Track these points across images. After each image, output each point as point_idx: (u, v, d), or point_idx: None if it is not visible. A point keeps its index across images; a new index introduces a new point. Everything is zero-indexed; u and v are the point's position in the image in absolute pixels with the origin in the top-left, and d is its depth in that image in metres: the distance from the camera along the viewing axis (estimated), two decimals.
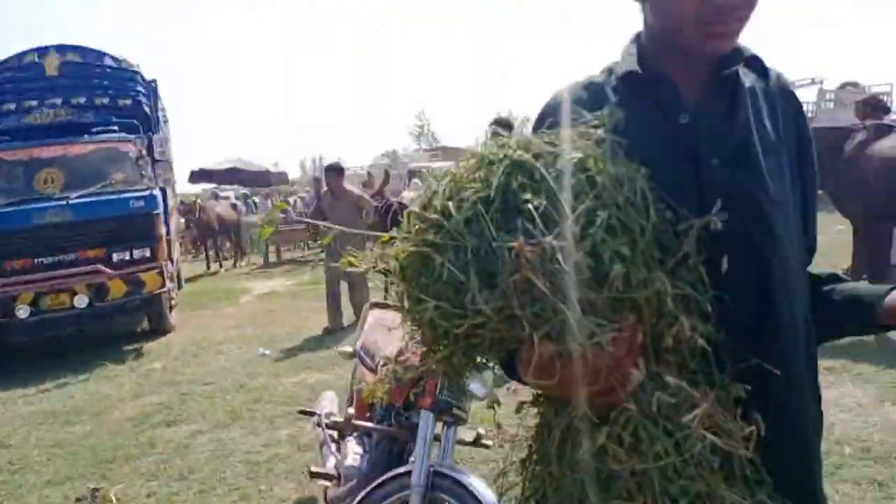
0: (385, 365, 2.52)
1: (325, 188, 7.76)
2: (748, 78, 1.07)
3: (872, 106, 6.78)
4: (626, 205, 0.88)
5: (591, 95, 1.07)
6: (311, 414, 3.13)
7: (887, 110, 6.98)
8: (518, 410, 1.05)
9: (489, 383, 2.43)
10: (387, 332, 3.07)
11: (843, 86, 18.00)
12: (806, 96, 16.05)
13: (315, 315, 7.49)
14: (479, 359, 0.98)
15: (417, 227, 0.93)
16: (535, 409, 1.06)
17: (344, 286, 7.45)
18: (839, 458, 3.29)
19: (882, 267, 5.26)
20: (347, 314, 7.51)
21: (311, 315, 7.70)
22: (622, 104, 1.01)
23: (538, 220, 0.84)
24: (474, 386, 2.40)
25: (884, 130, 5.50)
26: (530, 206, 0.85)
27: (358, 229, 7.22)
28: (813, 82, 16.63)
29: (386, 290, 3.35)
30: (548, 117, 1.07)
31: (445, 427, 2.50)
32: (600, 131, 0.96)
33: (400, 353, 1.13)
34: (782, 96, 1.10)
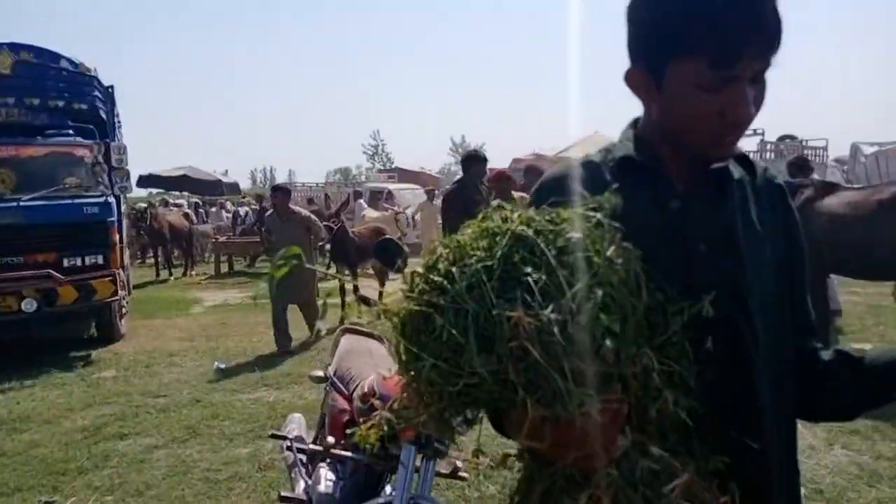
0: (365, 398, 2.57)
1: (270, 210, 7.74)
2: (736, 170, 1.16)
3: (799, 166, 7.28)
4: (620, 284, 0.94)
5: (588, 174, 1.15)
6: (283, 438, 3.14)
7: (812, 170, 7.48)
8: (503, 462, 1.12)
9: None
10: (361, 359, 3.12)
11: (782, 138, 18.96)
12: (748, 146, 16.81)
13: (269, 331, 7.41)
14: (469, 414, 1.03)
15: (421, 287, 0.99)
16: (521, 463, 1.11)
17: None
18: None
19: (823, 314, 5.58)
20: (299, 334, 7.53)
21: (266, 330, 7.62)
22: (618, 187, 1.06)
23: (537, 293, 0.89)
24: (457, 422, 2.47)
25: (829, 187, 5.87)
26: (530, 279, 0.91)
27: (306, 250, 7.19)
28: (755, 133, 17.49)
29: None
30: (548, 193, 1.12)
31: (425, 460, 2.55)
32: (599, 214, 1.01)
33: (393, 400, 1.19)
34: (769, 189, 1.19)
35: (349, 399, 2.82)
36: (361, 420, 2.63)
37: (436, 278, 0.98)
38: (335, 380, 3.02)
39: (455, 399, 0.97)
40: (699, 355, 1.01)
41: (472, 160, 6.30)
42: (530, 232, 0.97)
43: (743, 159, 1.17)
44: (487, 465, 1.25)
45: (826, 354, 1.20)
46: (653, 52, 1.05)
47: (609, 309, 0.91)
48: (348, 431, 2.65)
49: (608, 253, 0.96)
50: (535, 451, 1.00)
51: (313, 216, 7.93)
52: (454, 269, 0.97)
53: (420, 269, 1.03)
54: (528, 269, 0.93)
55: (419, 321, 0.98)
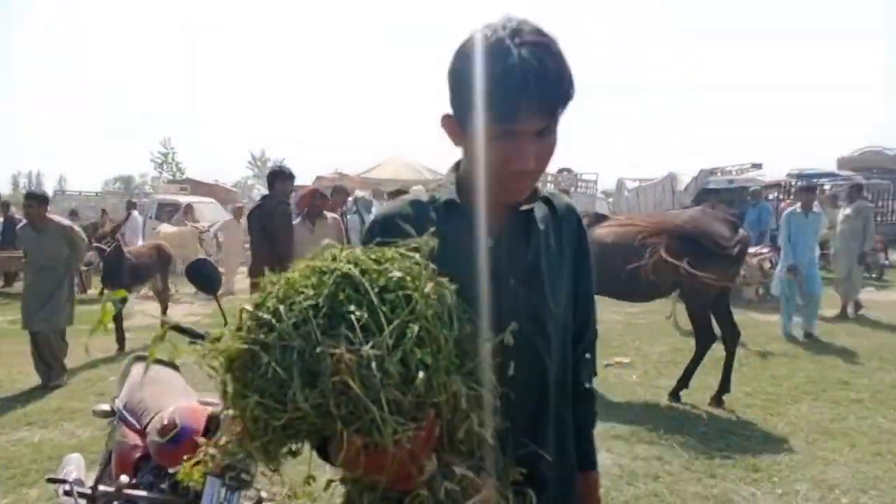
0: (165, 431, 2.42)
1: (22, 221, 6.98)
2: (541, 210, 1.36)
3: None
4: (435, 318, 1.05)
5: (416, 213, 1.31)
6: (61, 482, 2.84)
7: None
8: (326, 488, 1.19)
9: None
10: (157, 389, 2.92)
11: (560, 171, 21.01)
12: None
13: (31, 361, 6.56)
14: (293, 445, 1.09)
15: (249, 325, 1.04)
16: (343, 488, 1.19)
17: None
18: None
19: None
20: (74, 363, 6.81)
21: (28, 360, 6.71)
22: (441, 226, 1.22)
23: (358, 329, 0.98)
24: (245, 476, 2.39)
25: (601, 218, 6.67)
26: (353, 316, 0.99)
27: (68, 264, 6.50)
28: None
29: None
30: (379, 230, 1.27)
31: (228, 491, 2.47)
32: (418, 255, 1.12)
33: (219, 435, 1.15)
34: (568, 215, 1.40)
35: (142, 433, 2.63)
36: (159, 455, 2.47)
37: (264, 315, 1.02)
38: (125, 413, 2.79)
39: (280, 432, 1.01)
40: (503, 378, 1.15)
41: (278, 176, 6.17)
42: (356, 271, 1.05)
43: (547, 201, 1.36)
44: (285, 495, 1.28)
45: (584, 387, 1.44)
46: (459, 105, 1.21)
47: (424, 342, 1.01)
48: (175, 468, 2.45)
49: (426, 290, 1.06)
50: (360, 478, 1.07)
51: (77, 227, 7.13)
52: (282, 307, 1.01)
53: (248, 306, 1.07)
54: (352, 307, 1.00)
55: (246, 358, 1.01)
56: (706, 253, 5.64)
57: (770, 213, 12.48)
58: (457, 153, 1.34)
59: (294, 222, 6.51)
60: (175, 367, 3.21)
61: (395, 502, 1.07)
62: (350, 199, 10.70)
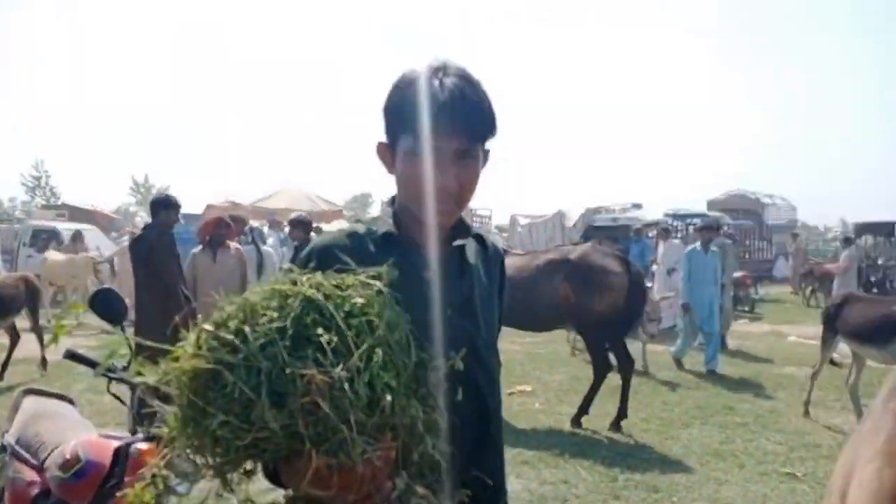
0: (68, 465, 2.27)
1: None
2: (472, 246, 1.43)
3: None
4: (396, 345, 1.09)
5: (353, 244, 1.33)
6: None
7: None
8: None
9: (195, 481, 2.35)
10: (52, 423, 2.73)
11: None
12: None
13: None
14: (249, 465, 1.08)
15: (212, 344, 1.02)
16: None
17: None
18: None
19: None
20: None
21: None
22: (380, 258, 1.25)
23: (329, 352, 1.00)
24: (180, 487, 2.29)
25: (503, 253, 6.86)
26: (322, 339, 1.01)
27: None
28: None
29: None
30: (318, 259, 1.28)
31: None
32: (379, 283, 1.15)
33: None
34: (495, 255, 1.49)
35: (40, 469, 2.44)
36: (61, 491, 2.29)
37: (226, 336, 1.02)
38: (18, 448, 2.58)
39: (242, 452, 1.01)
40: (449, 404, 1.19)
41: (163, 205, 5.88)
42: (320, 296, 1.06)
43: (478, 237, 1.44)
44: None
45: None
46: (390, 130, 1.30)
47: (388, 366, 1.05)
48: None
49: (386, 317, 1.09)
50: (315, 497, 1.05)
51: None
52: (247, 328, 1.01)
53: (208, 327, 1.05)
54: (320, 331, 1.02)
55: (207, 378, 1.00)
56: (599, 285, 5.97)
57: (651, 249, 13.33)
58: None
59: (194, 251, 6.24)
60: (70, 401, 3.05)
61: None
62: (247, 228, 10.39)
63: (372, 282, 1.14)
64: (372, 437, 1.01)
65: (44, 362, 7.89)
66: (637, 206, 19.38)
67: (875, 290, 16.87)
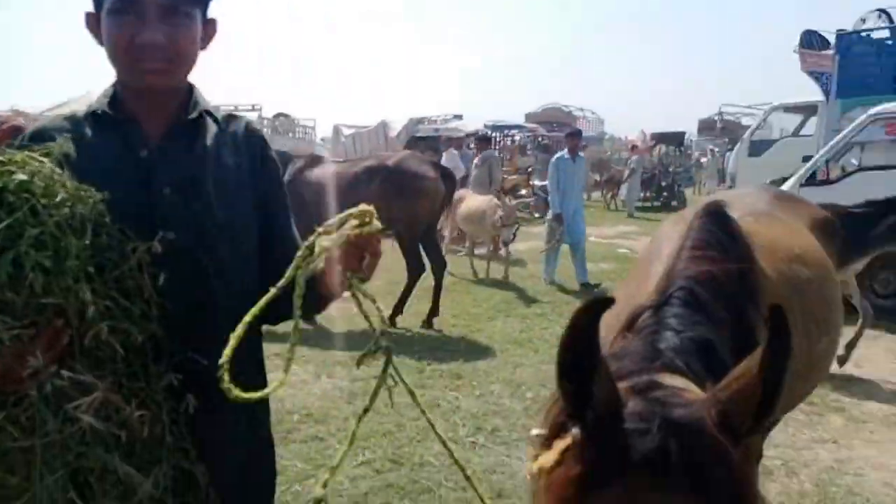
0: None
1: None
2: (211, 126, 1.34)
3: (481, 139, 8.02)
4: (65, 224, 1.04)
5: (72, 127, 1.25)
6: None
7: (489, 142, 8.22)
8: None
9: None
10: None
11: (277, 116, 20.74)
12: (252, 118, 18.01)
13: None
14: None
15: None
16: None
17: None
18: (290, 424, 3.97)
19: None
20: None
21: None
22: (94, 138, 1.21)
23: None
24: None
25: (317, 160, 6.75)
26: None
27: None
28: (253, 108, 18.82)
29: None
30: (25, 140, 1.19)
31: None
32: (47, 160, 1.10)
33: None
34: (249, 140, 1.38)
35: None
36: None
37: None
38: None
39: None
40: (159, 287, 1.15)
41: None
42: None
43: (209, 114, 1.34)
44: None
45: None
46: None
47: (45, 246, 1.00)
48: None
49: (59, 198, 1.04)
50: None
51: None
52: None
53: None
54: None
55: None
56: (413, 189, 6.10)
57: (469, 159, 13.72)
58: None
59: None
60: None
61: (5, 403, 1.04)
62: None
63: (42, 159, 1.09)
64: (22, 316, 0.99)
65: None
66: (458, 118, 19.73)
67: (665, 194, 18.82)
